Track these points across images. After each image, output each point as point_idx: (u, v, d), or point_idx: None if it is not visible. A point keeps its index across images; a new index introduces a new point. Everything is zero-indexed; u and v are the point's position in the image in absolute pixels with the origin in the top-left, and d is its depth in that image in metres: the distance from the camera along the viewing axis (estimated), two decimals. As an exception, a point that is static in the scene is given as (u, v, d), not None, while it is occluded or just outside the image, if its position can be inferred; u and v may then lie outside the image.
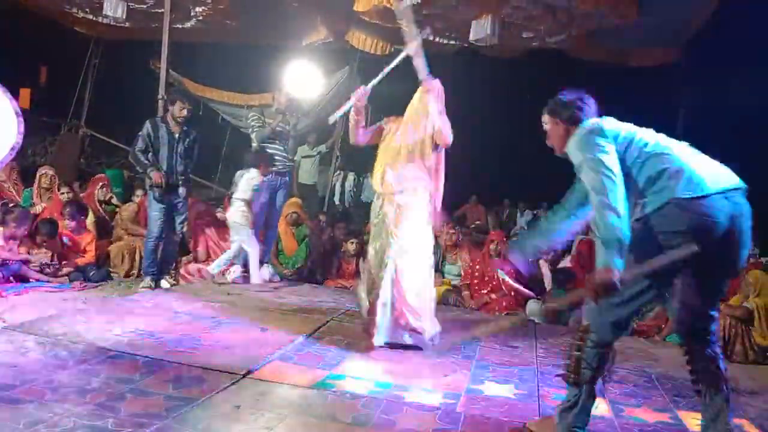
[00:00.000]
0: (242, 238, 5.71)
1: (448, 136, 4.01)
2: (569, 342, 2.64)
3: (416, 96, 4.09)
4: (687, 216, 2.37)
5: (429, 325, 3.95)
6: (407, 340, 3.94)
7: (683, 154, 2.52)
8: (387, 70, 4.04)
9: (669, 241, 2.39)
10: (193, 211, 6.81)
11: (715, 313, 2.59)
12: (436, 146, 4.08)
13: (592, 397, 2.61)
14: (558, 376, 2.67)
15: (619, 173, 2.44)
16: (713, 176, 2.44)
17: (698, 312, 2.53)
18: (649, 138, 2.58)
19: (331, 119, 4.43)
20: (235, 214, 5.71)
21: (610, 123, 2.64)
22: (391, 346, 3.91)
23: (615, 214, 2.34)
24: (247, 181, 5.64)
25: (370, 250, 4.11)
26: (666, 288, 2.52)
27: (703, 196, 2.37)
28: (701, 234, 2.35)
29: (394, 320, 3.89)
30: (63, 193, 6.36)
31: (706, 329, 2.56)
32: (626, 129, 2.62)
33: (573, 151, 2.61)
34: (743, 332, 4.87)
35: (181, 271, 6.03)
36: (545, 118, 2.82)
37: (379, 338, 3.89)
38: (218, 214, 6.60)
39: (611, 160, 2.46)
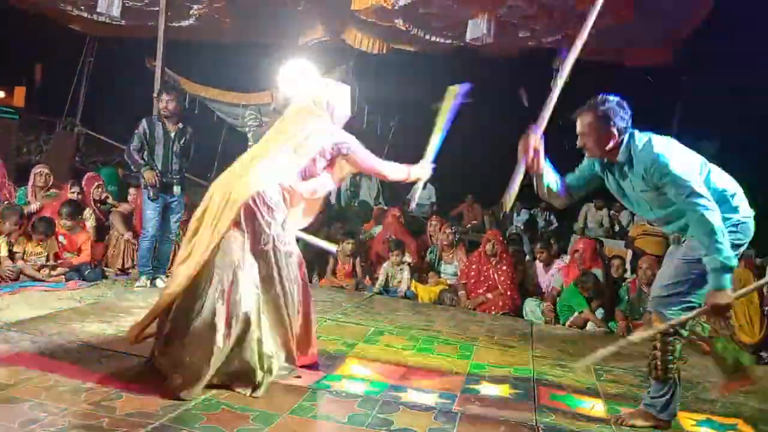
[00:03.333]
0: None
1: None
2: (656, 349, 2.92)
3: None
4: None
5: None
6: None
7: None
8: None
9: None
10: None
11: None
12: None
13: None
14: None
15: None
16: None
17: None
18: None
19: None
20: None
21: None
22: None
23: (727, 243, 2.70)
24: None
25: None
26: None
27: None
28: None
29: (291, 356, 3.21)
30: (74, 192, 6.33)
31: None
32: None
33: (668, 167, 2.76)
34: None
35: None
36: (589, 119, 2.92)
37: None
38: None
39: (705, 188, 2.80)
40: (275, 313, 3.07)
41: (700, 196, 2.71)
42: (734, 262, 2.70)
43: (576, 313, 5.58)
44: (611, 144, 2.90)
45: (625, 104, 2.93)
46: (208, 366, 2.79)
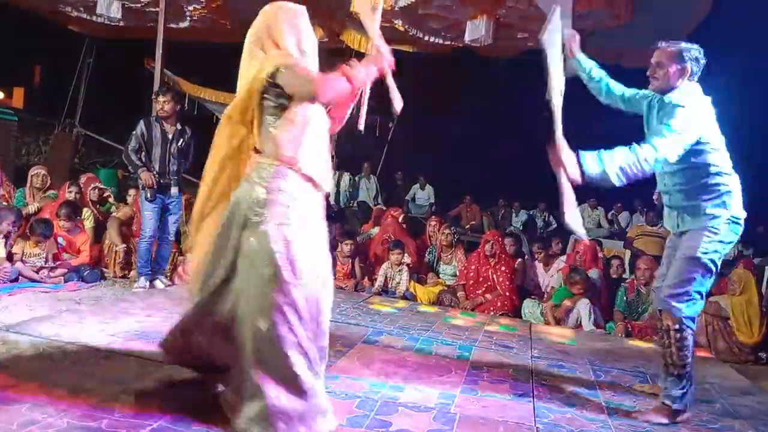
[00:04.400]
0: None
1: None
2: (671, 346, 3.08)
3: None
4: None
5: None
6: None
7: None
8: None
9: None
10: None
11: None
12: None
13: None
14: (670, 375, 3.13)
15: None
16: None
17: None
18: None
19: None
20: None
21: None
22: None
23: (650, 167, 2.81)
24: None
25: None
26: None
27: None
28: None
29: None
30: (71, 192, 6.32)
31: None
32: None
33: (680, 95, 2.97)
34: (722, 329, 4.94)
35: (179, 269, 6.01)
36: (672, 51, 3.05)
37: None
38: None
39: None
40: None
41: (665, 139, 2.84)
42: (612, 180, 2.75)
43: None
44: (680, 82, 3.05)
45: (702, 58, 3.08)
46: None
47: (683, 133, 2.86)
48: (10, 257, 5.22)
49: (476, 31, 7.05)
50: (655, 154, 2.79)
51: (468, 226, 10.27)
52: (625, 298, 5.57)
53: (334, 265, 6.61)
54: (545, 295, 6.13)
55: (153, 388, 2.82)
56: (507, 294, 6.05)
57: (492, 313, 5.86)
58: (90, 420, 2.41)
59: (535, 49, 8.66)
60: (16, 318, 3.86)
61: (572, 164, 2.70)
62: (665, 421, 3.08)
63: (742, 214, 3.09)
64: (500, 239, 6.51)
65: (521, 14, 6.90)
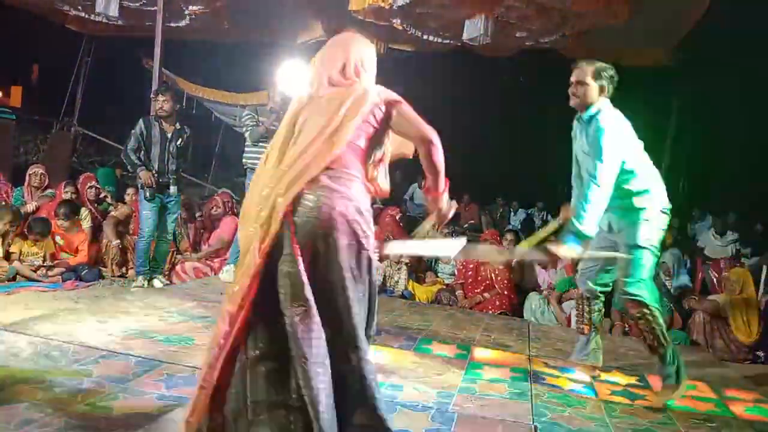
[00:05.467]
0: None
1: None
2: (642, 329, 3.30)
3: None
4: None
5: None
6: None
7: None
8: None
9: None
10: None
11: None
12: None
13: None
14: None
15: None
16: None
17: None
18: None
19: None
20: None
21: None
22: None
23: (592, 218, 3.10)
24: None
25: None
26: None
27: None
28: None
29: None
30: (67, 192, 6.32)
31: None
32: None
33: (610, 129, 3.12)
34: (720, 328, 4.95)
35: (177, 268, 6.01)
36: (591, 71, 3.24)
37: None
38: None
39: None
40: None
41: (600, 172, 3.08)
42: (588, 233, 3.09)
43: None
44: (598, 99, 3.24)
45: (616, 77, 3.29)
46: None
47: (610, 161, 3.09)
48: (7, 256, 5.21)
49: (474, 29, 7.04)
50: (600, 191, 3.08)
51: (466, 225, 10.27)
52: (623, 296, 5.58)
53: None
54: (545, 292, 6.13)
55: (151, 386, 2.82)
56: (505, 293, 6.05)
57: (491, 311, 5.86)
58: (88, 419, 2.41)
59: (533, 48, 8.69)
60: (13, 317, 3.85)
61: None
62: (671, 397, 3.26)
63: (668, 205, 3.31)
64: (498, 238, 6.51)
65: (520, 13, 6.91)
